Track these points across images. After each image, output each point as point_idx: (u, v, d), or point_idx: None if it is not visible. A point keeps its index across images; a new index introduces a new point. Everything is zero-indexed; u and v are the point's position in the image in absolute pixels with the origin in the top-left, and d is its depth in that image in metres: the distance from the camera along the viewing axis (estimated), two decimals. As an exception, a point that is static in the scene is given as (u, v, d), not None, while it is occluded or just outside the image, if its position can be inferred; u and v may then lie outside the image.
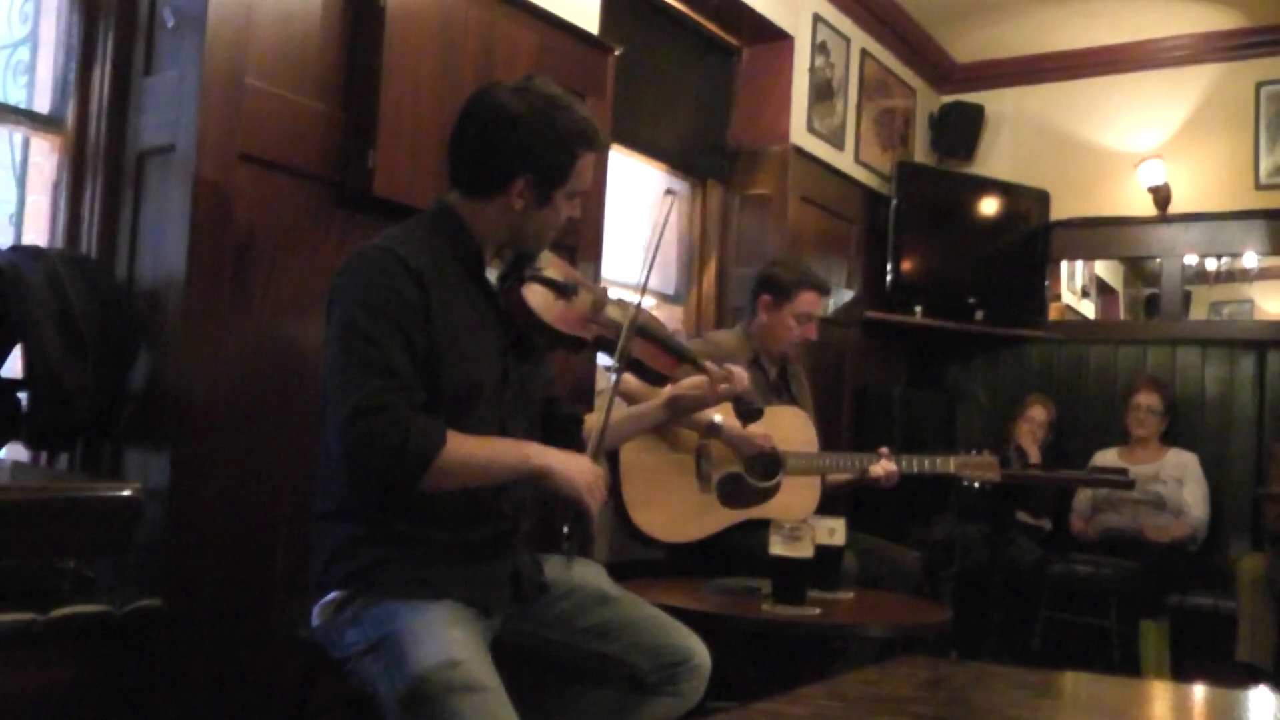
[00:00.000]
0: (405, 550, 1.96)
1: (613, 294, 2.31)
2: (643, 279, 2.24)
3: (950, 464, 3.52)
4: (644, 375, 2.32)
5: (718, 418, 3.08)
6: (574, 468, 2.04)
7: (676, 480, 3.17)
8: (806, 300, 3.47)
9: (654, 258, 2.26)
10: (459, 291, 2.05)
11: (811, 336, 3.52)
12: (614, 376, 2.18)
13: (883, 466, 3.39)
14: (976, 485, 3.57)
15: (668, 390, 2.42)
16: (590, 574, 2.22)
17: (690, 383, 2.40)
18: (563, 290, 2.18)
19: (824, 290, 3.57)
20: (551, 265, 2.21)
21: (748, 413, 2.48)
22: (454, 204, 2.12)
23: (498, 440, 2.03)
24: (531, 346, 2.19)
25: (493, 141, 2.06)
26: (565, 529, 2.08)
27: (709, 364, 2.38)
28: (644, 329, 2.27)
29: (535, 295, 2.13)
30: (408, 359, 1.93)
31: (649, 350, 2.29)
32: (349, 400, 1.87)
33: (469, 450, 1.95)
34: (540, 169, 2.06)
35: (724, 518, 3.18)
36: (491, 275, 2.15)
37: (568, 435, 2.32)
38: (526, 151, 2.05)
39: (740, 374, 2.41)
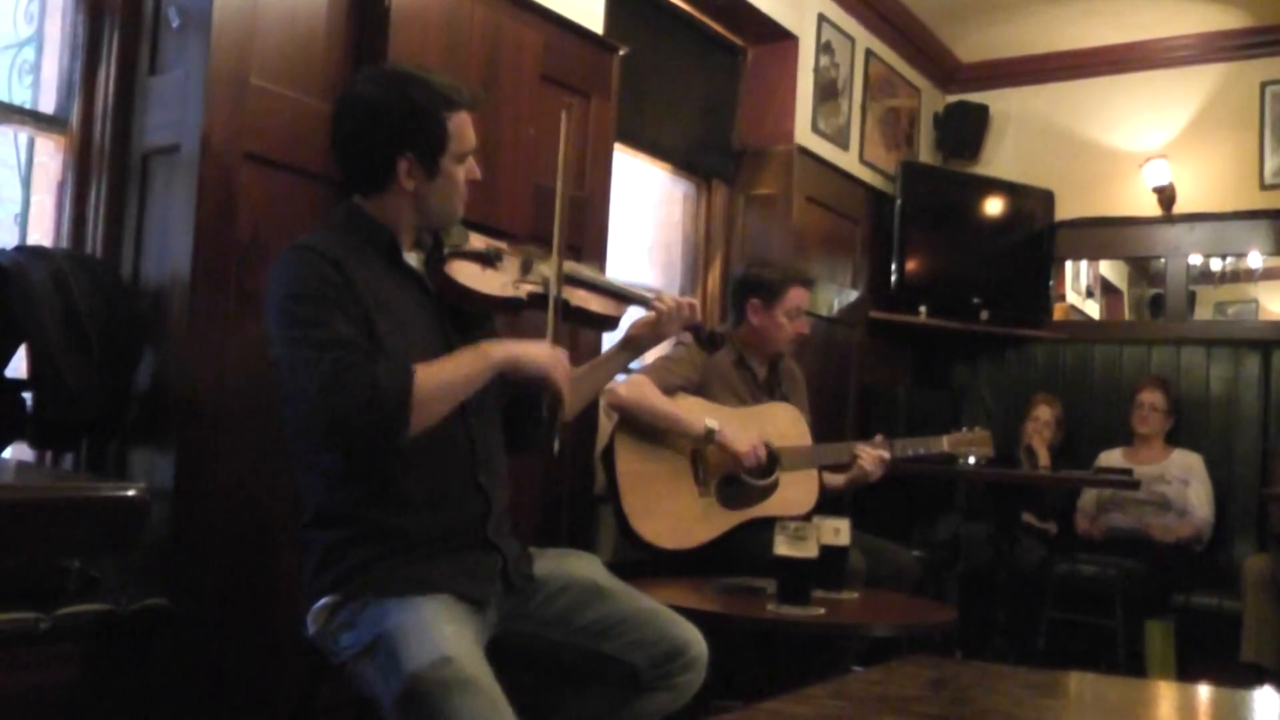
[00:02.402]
0: (391, 546, 1.97)
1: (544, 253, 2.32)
2: (556, 228, 2.24)
3: (944, 442, 3.58)
4: (589, 322, 2.37)
5: (713, 423, 3.10)
6: (533, 349, 2.10)
7: (675, 487, 3.16)
8: (795, 296, 3.48)
9: (561, 199, 2.25)
10: (383, 280, 2.08)
11: (804, 331, 3.53)
12: (551, 311, 2.19)
13: (868, 455, 3.42)
14: (971, 460, 3.62)
15: (622, 331, 2.48)
16: (585, 566, 2.22)
17: (642, 321, 2.46)
18: (486, 259, 2.21)
19: (809, 284, 3.59)
20: (473, 240, 2.24)
21: (710, 339, 2.56)
22: (359, 204, 2.16)
23: (456, 355, 2.05)
24: (471, 319, 2.22)
25: (362, 134, 2.10)
26: (542, 415, 2.15)
27: (658, 298, 2.44)
28: (574, 276, 2.31)
29: (460, 269, 2.17)
30: (353, 328, 1.96)
31: (588, 297, 2.33)
32: (312, 381, 1.89)
33: (437, 371, 1.98)
34: (416, 145, 2.09)
35: (726, 520, 3.18)
36: (414, 260, 2.18)
37: (530, 400, 2.31)
38: (396, 133, 2.08)
39: (691, 302, 2.46)
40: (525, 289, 2.22)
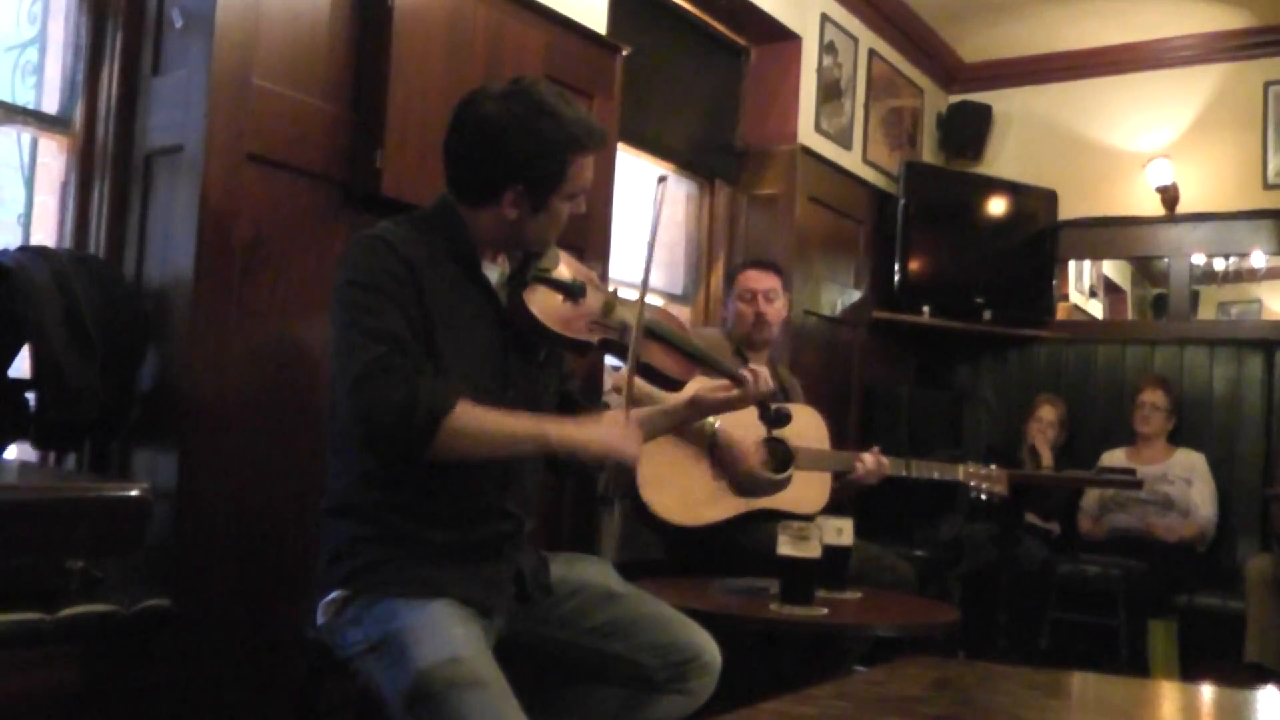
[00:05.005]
0: (406, 550, 1.96)
1: (626, 295, 2.22)
2: (644, 274, 2.15)
3: (959, 471, 3.51)
4: (655, 380, 2.24)
5: (718, 424, 3.10)
6: (599, 432, 2.02)
7: (691, 465, 3.18)
8: (747, 278, 3.48)
9: (652, 250, 2.16)
10: (454, 287, 2.03)
11: (765, 311, 3.44)
12: (626, 363, 2.11)
13: (864, 462, 3.36)
14: (983, 496, 3.55)
15: (690, 391, 2.39)
16: (597, 572, 2.21)
17: (713, 386, 2.40)
18: (569, 292, 2.11)
19: (765, 266, 3.53)
20: (563, 264, 2.15)
21: (776, 418, 2.45)
22: (453, 204, 2.09)
23: (516, 415, 1.97)
24: (536, 348, 2.14)
25: (480, 154, 2.02)
26: (603, 477, 2.05)
27: (741, 371, 2.37)
28: (655, 331, 2.20)
29: (538, 298, 2.07)
30: (406, 328, 1.91)
31: (661, 353, 2.21)
32: (355, 368, 1.87)
33: (482, 415, 1.92)
34: (531, 179, 2.01)
35: (734, 505, 3.19)
36: (495, 274, 2.11)
37: (581, 471, 2.30)
38: (515, 163, 1.99)
39: (765, 376, 2.39)
40: (598, 334, 2.11)
